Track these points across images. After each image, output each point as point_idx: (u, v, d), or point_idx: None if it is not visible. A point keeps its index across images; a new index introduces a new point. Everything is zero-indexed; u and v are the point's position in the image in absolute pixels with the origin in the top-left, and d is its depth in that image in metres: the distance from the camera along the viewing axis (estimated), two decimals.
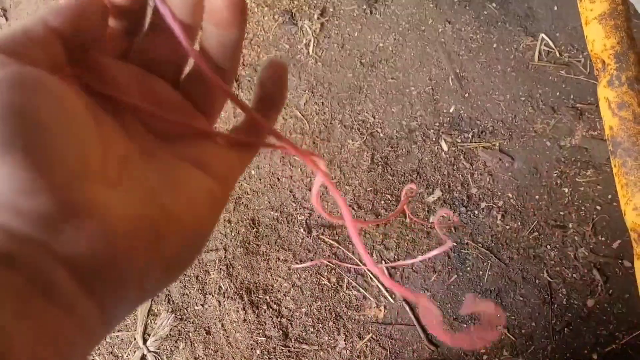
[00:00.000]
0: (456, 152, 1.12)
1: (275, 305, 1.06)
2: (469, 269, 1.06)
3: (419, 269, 1.06)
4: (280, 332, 1.05)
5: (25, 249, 0.15)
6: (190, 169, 0.22)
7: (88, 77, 0.20)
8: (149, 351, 1.05)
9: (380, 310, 1.05)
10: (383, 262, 1.06)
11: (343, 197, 0.26)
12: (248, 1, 1.25)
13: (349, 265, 1.06)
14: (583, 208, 1.07)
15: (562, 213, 1.07)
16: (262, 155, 1.14)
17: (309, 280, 1.06)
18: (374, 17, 1.22)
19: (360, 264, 1.06)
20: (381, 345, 1.03)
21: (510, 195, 1.09)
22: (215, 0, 0.22)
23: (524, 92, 1.14)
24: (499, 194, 1.09)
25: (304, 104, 1.17)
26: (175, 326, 1.06)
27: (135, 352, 1.05)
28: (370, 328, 1.04)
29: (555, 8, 1.19)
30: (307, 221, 1.09)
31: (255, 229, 1.10)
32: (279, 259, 1.08)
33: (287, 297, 1.06)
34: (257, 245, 1.09)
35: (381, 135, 1.14)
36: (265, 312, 1.06)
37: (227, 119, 1.16)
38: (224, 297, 1.07)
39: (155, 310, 1.07)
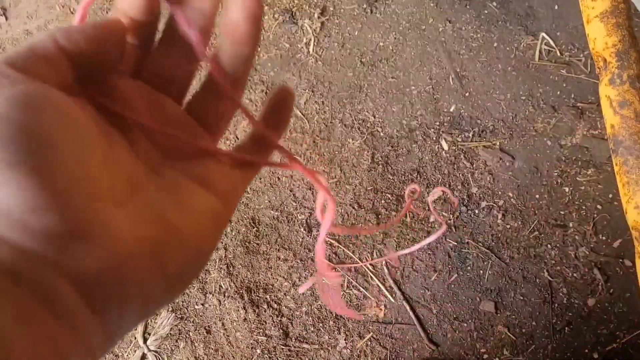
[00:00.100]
0: (457, 151, 1.11)
1: (275, 305, 1.06)
2: (469, 268, 1.06)
3: (419, 268, 1.06)
4: (281, 331, 1.05)
5: (32, 266, 0.15)
6: (195, 187, 0.22)
7: (97, 94, 0.21)
8: (150, 350, 1.05)
9: (381, 309, 1.05)
10: (383, 259, 1.06)
11: (333, 217, 0.26)
12: None
13: (350, 265, 1.06)
14: (584, 207, 1.07)
15: (562, 212, 1.07)
16: None
17: (309, 280, 1.06)
18: (375, 16, 1.21)
19: (360, 262, 1.06)
20: (381, 344, 1.03)
21: (510, 194, 1.09)
22: (233, 14, 0.22)
23: (525, 91, 1.14)
24: (500, 193, 1.09)
25: (304, 103, 1.17)
26: (176, 325, 1.06)
27: (135, 351, 1.05)
28: (370, 327, 1.04)
29: (556, 7, 1.19)
30: (308, 220, 1.09)
31: (255, 228, 1.10)
32: (279, 258, 1.08)
33: (288, 297, 1.06)
34: (258, 244, 1.09)
35: (381, 134, 1.14)
36: (265, 311, 1.06)
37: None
38: (224, 296, 1.07)
39: None
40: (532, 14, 1.19)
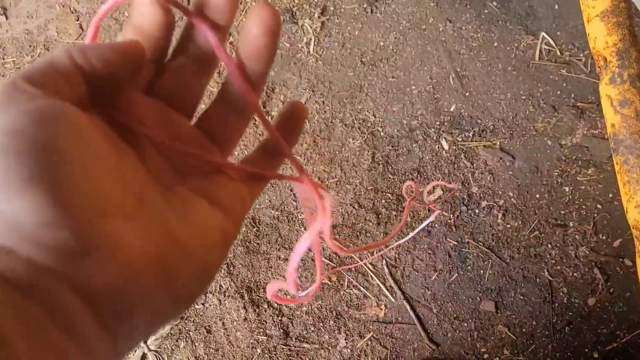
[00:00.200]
0: (457, 151, 1.11)
1: (275, 304, 1.06)
2: (469, 267, 1.06)
3: (419, 267, 1.06)
4: (281, 330, 1.05)
5: (44, 279, 0.16)
6: (203, 203, 0.22)
7: (110, 109, 0.21)
8: (150, 350, 1.05)
9: (381, 309, 1.05)
10: (383, 259, 1.06)
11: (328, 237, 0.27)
12: (249, 0, 1.25)
13: (350, 265, 1.06)
14: (584, 207, 1.07)
15: (563, 212, 1.07)
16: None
17: (309, 279, 1.06)
18: (375, 16, 1.21)
19: (360, 261, 1.06)
20: (382, 344, 1.03)
21: (511, 194, 1.09)
22: (252, 28, 0.22)
23: (525, 91, 1.14)
24: (500, 192, 1.09)
25: (305, 103, 1.17)
26: (176, 325, 1.06)
27: (135, 350, 1.05)
28: (370, 327, 1.04)
29: (556, 7, 1.19)
30: None
31: (255, 228, 1.10)
32: (279, 258, 1.08)
33: (287, 296, 1.06)
34: (258, 244, 1.09)
35: (382, 134, 1.14)
36: (266, 310, 1.06)
37: None
38: (224, 295, 1.07)
39: None
40: (532, 13, 1.19)
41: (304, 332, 1.04)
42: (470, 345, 1.03)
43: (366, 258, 1.06)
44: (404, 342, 1.03)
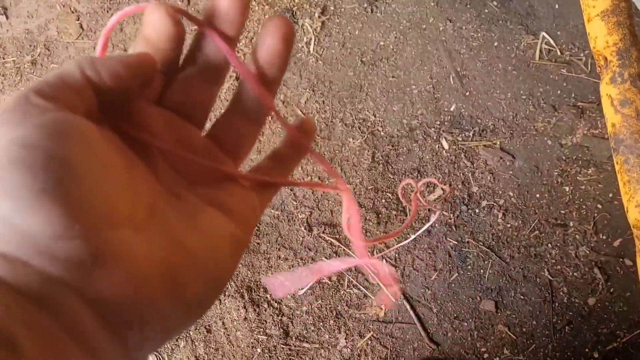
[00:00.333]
0: (457, 150, 1.11)
1: (276, 304, 1.06)
2: (469, 267, 1.06)
3: (419, 267, 1.06)
4: (281, 330, 1.05)
5: (56, 291, 0.16)
6: (214, 212, 0.22)
7: (121, 121, 0.21)
8: None
9: (381, 308, 1.05)
10: (384, 259, 1.06)
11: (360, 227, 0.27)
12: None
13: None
14: (584, 206, 1.07)
15: (563, 211, 1.07)
16: (263, 153, 1.14)
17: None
18: (375, 16, 1.21)
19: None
20: (382, 343, 1.03)
21: (511, 193, 1.09)
22: (268, 36, 0.23)
23: (525, 91, 1.14)
24: (500, 192, 1.09)
25: (305, 102, 1.17)
26: None
27: None
28: (371, 326, 1.04)
29: (557, 6, 1.19)
30: (308, 219, 1.09)
31: (255, 227, 1.10)
32: (279, 258, 1.08)
33: (288, 296, 1.06)
34: (258, 243, 1.09)
35: (382, 133, 1.14)
36: (266, 310, 1.06)
37: None
38: (224, 295, 1.07)
39: None
40: (532, 13, 1.19)
41: (304, 332, 1.04)
42: (470, 344, 1.03)
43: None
44: (404, 341, 1.03)
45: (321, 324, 1.05)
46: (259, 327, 1.05)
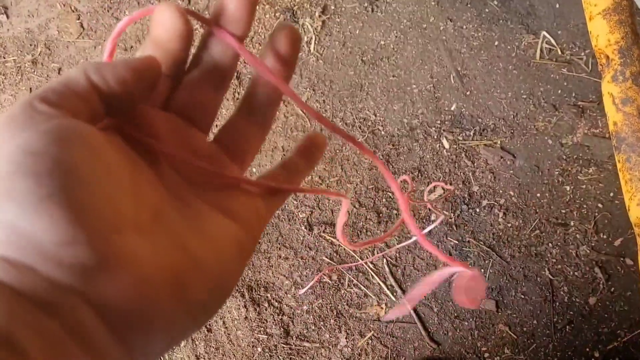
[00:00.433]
0: (457, 150, 1.11)
1: (276, 303, 1.06)
2: (470, 266, 1.05)
3: (420, 266, 1.06)
4: (282, 329, 1.05)
5: (62, 297, 0.16)
6: (219, 217, 0.22)
7: (127, 125, 0.21)
8: None
9: (382, 307, 1.04)
10: (384, 258, 1.06)
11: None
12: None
13: (350, 264, 1.06)
14: (585, 206, 1.07)
15: (563, 211, 1.07)
16: (264, 152, 1.14)
17: (310, 279, 1.06)
18: (375, 15, 1.21)
19: (360, 261, 1.06)
20: (382, 342, 1.03)
21: (511, 193, 1.09)
22: (278, 40, 0.24)
23: (526, 90, 1.14)
24: (501, 191, 1.09)
25: (305, 102, 1.17)
26: None
27: None
28: (371, 326, 1.04)
29: (557, 6, 1.19)
30: (309, 219, 1.09)
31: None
32: (280, 257, 1.08)
33: (289, 295, 1.06)
34: (259, 243, 1.09)
35: (382, 133, 1.14)
36: (266, 309, 1.06)
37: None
38: None
39: None
40: (533, 12, 1.19)
41: (305, 331, 1.04)
42: (471, 344, 1.03)
43: (367, 257, 1.06)
44: (404, 341, 1.03)
45: (322, 323, 1.05)
46: (259, 326, 1.05)
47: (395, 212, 1.09)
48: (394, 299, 1.04)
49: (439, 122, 1.14)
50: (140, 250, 0.18)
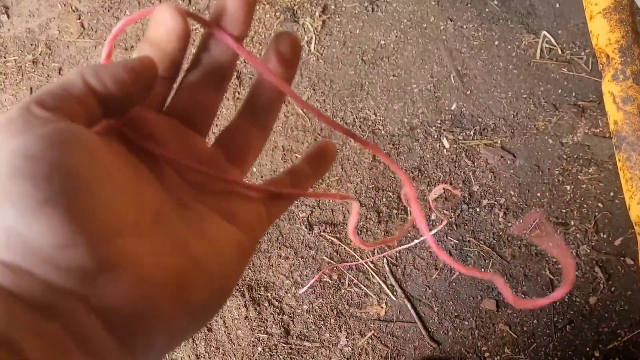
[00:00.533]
0: (458, 149, 1.11)
1: (276, 303, 1.06)
2: (470, 266, 1.05)
3: (420, 266, 1.06)
4: (282, 329, 1.05)
5: (62, 300, 0.16)
6: (220, 220, 0.23)
7: (127, 130, 0.21)
8: None
9: (382, 307, 1.05)
10: (384, 257, 1.06)
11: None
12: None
13: (351, 264, 1.06)
14: (585, 205, 1.07)
15: (564, 210, 1.07)
16: (264, 152, 1.14)
17: (310, 278, 1.06)
18: (376, 15, 1.21)
19: (360, 260, 1.06)
20: (383, 342, 1.03)
21: (512, 192, 1.09)
22: (280, 44, 0.24)
23: (526, 90, 1.14)
24: (501, 191, 1.09)
25: (306, 101, 1.17)
26: None
27: None
28: (371, 325, 1.04)
29: (557, 5, 1.19)
30: (309, 218, 1.09)
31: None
32: (280, 256, 1.08)
33: (289, 294, 1.06)
34: (259, 242, 1.09)
35: (383, 132, 1.14)
36: (266, 309, 1.06)
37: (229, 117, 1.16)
38: None
39: None
40: (533, 12, 1.19)
41: (305, 331, 1.04)
42: (471, 343, 1.03)
43: (367, 257, 1.06)
44: (404, 340, 1.03)
45: (322, 322, 1.05)
46: (259, 325, 1.05)
47: (395, 211, 1.09)
48: (394, 298, 1.04)
49: (439, 121, 1.14)
50: (141, 251, 0.18)
